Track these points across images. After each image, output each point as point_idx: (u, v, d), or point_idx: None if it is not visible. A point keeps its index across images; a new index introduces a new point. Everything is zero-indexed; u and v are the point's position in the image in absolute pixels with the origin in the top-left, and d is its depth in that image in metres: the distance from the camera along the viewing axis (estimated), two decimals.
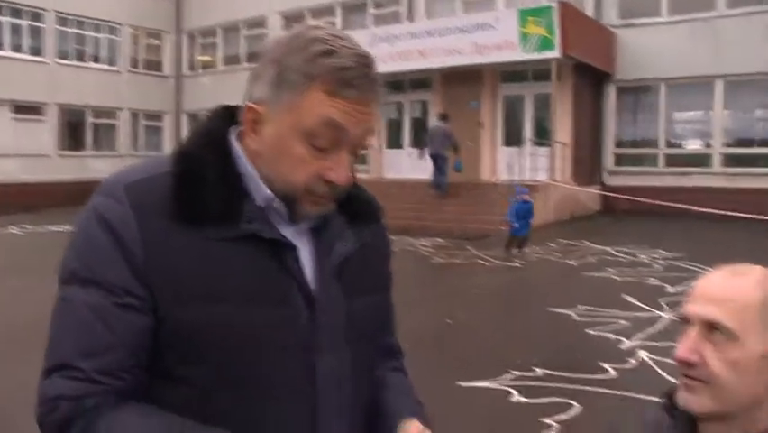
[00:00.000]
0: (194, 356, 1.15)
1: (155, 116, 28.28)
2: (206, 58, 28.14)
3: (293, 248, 1.22)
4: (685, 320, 1.27)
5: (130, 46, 27.38)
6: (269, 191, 1.20)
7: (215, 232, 1.15)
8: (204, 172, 1.18)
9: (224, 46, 27.41)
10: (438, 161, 16.77)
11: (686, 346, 1.23)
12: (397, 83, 19.83)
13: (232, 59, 26.88)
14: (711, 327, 1.22)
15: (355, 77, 1.15)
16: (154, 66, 28.40)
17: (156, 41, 28.49)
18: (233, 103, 1.32)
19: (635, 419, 1.48)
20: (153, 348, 1.15)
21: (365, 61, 1.17)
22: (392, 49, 17.91)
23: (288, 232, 1.23)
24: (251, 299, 1.16)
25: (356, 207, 1.33)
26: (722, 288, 1.24)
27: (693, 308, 1.25)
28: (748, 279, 1.23)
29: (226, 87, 25.75)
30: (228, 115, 1.28)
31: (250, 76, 1.22)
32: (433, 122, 18.45)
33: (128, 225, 1.13)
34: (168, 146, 27.94)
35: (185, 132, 28.14)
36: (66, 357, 1.12)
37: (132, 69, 27.36)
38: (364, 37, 18.42)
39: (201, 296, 1.14)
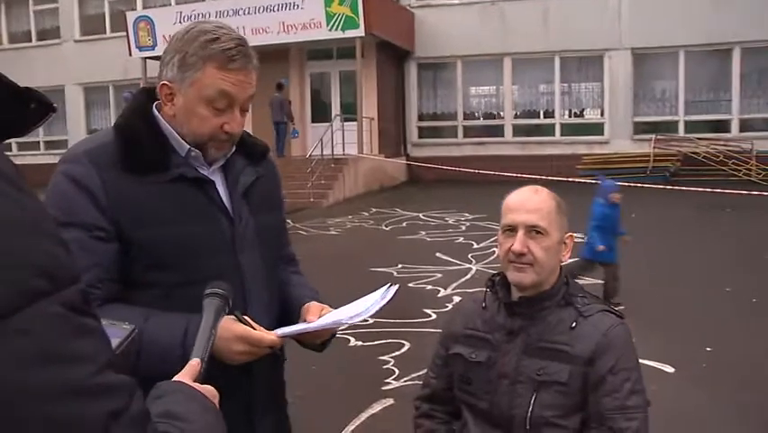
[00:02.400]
0: (155, 265, 1.64)
1: None
2: None
3: (211, 182, 1.73)
4: (510, 228, 1.89)
5: None
6: (186, 144, 1.68)
7: (156, 177, 1.65)
8: (139, 136, 1.65)
9: (8, 20, 25.11)
10: (279, 128, 17.33)
11: (518, 243, 1.86)
12: None
13: (19, 36, 24.88)
14: (532, 228, 1.85)
15: (235, 54, 1.62)
16: None
17: None
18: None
19: (467, 297, 2.12)
20: (123, 264, 1.62)
21: (241, 42, 1.66)
22: None
23: (206, 172, 1.73)
24: (188, 220, 1.67)
25: (249, 148, 1.84)
26: (531, 202, 1.89)
27: (516, 217, 1.88)
28: (543, 194, 1.91)
29: (15, 67, 24.05)
30: (147, 95, 1.76)
31: (161, 61, 1.69)
32: None
33: (91, 178, 1.60)
34: None
35: None
36: None
37: None
38: (168, 15, 18.17)
39: (153, 222, 1.63)
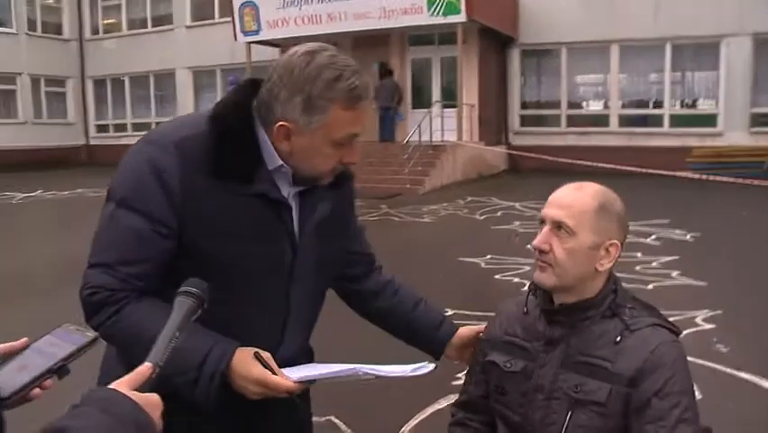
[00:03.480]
0: (207, 274, 1.51)
1: (58, 82, 27.02)
2: (110, 21, 27.03)
3: (289, 207, 1.65)
4: (542, 221, 1.74)
5: (25, 7, 25.77)
6: (278, 159, 1.59)
7: (236, 187, 1.57)
8: (234, 138, 1.57)
9: (128, 8, 26.31)
10: (387, 113, 17.35)
11: (540, 238, 1.71)
12: None
13: (137, 23, 26.04)
14: (558, 225, 1.68)
15: (361, 92, 1.54)
16: (53, 29, 26.97)
17: (54, 2, 27.11)
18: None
19: (511, 299, 1.94)
20: (174, 267, 1.57)
21: (361, 74, 1.57)
22: (301, 13, 17.99)
23: (286, 191, 1.64)
24: (253, 239, 1.60)
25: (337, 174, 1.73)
26: (567, 198, 1.71)
27: (547, 211, 1.72)
28: (586, 192, 1.71)
29: (132, 52, 25.19)
30: (251, 88, 1.65)
31: (267, 93, 1.57)
32: None
33: (174, 172, 1.53)
34: (73, 113, 27.07)
35: (90, 98, 27.30)
36: (110, 260, 1.55)
37: (29, 32, 25.86)
38: (273, 1, 18.43)
39: (219, 233, 1.57)
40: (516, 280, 7.38)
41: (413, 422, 4.05)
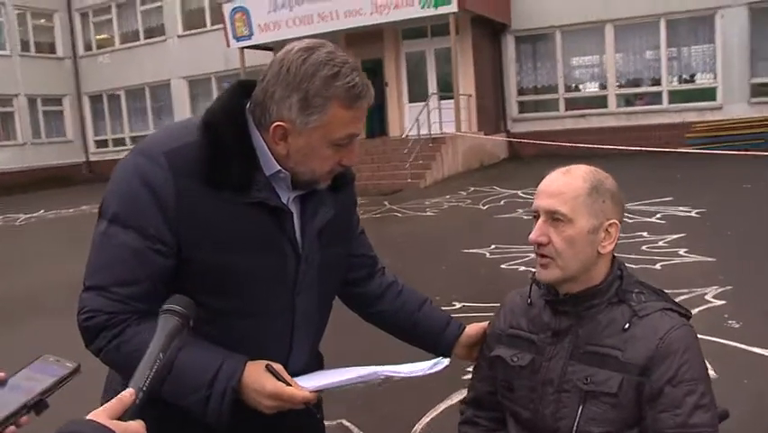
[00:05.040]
0: (211, 288, 1.51)
1: (54, 100, 27.00)
2: (103, 36, 27.01)
3: (290, 214, 1.57)
4: (535, 213, 1.67)
5: (17, 28, 25.77)
6: (276, 164, 1.52)
7: (233, 196, 1.49)
8: (227, 146, 1.48)
9: (119, 22, 26.26)
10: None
11: (537, 231, 1.64)
12: None
13: (129, 36, 25.99)
14: (552, 215, 1.62)
15: (361, 90, 1.47)
16: (47, 48, 27.00)
17: (45, 22, 27.06)
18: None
19: (515, 291, 1.89)
20: (174, 282, 1.49)
21: (358, 70, 1.49)
22: (292, 15, 17.93)
23: (285, 197, 1.56)
24: (255, 249, 1.52)
25: (337, 176, 1.65)
26: (556, 185, 1.64)
27: (539, 202, 1.66)
28: (575, 175, 1.65)
29: (126, 66, 25.17)
30: (243, 91, 1.57)
31: (261, 93, 1.49)
32: None
33: (166, 185, 1.45)
34: (71, 131, 27.07)
35: (87, 115, 27.29)
36: (106, 282, 1.47)
37: (23, 53, 25.89)
38: (262, 3, 18.37)
39: (218, 245, 1.49)
40: (523, 268, 7.33)
41: (425, 420, 4.01)
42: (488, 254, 8.17)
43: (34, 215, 16.66)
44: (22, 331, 6.46)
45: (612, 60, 18.40)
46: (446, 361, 1.69)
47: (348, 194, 1.78)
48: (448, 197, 13.17)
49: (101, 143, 27.26)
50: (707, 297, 5.77)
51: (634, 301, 1.63)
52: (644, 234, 8.41)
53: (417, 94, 19.06)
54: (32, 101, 26.04)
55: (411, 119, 17.34)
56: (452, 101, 17.19)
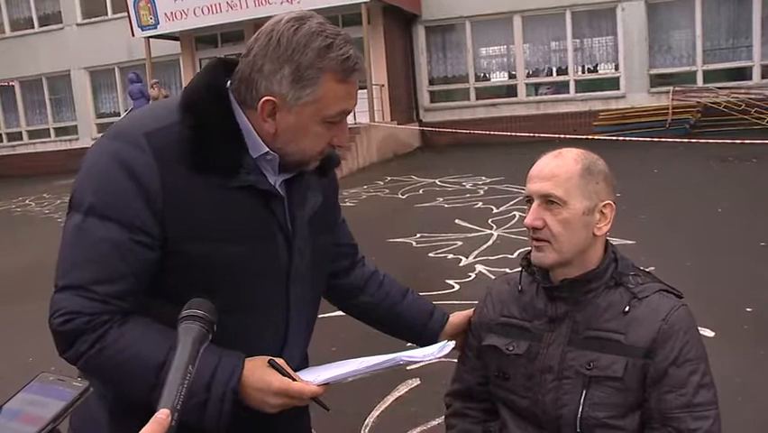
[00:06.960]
0: (196, 283, 1.35)
1: None
2: None
3: (281, 198, 1.46)
4: (528, 198, 1.65)
5: None
6: (264, 146, 1.41)
7: (220, 180, 1.37)
8: (213, 126, 1.37)
9: (8, 8, 24.47)
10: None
11: (531, 215, 1.63)
12: (211, 37, 19.43)
13: (22, 24, 24.36)
14: (546, 199, 1.61)
15: (355, 63, 1.38)
16: None
17: None
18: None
19: (500, 278, 1.86)
20: (159, 277, 1.37)
21: (352, 44, 1.40)
22: (199, 3, 17.46)
23: (272, 179, 1.45)
24: (245, 237, 1.41)
25: (324, 159, 1.55)
26: (548, 168, 1.63)
27: (532, 186, 1.64)
28: (566, 158, 1.64)
29: (20, 55, 23.80)
30: (223, 68, 1.46)
31: (248, 67, 1.38)
32: None
33: (149, 170, 1.32)
34: None
35: None
36: (84, 280, 1.32)
37: None
38: None
39: (208, 234, 1.37)
40: (451, 256, 7.38)
41: (375, 413, 3.96)
42: (414, 243, 8.19)
43: None
44: None
45: (521, 50, 18.79)
46: (452, 343, 1.63)
47: (331, 179, 1.70)
48: (366, 187, 13.14)
49: None
50: None
51: (631, 284, 1.64)
52: None
53: None
54: None
55: None
56: (365, 91, 17.13)
